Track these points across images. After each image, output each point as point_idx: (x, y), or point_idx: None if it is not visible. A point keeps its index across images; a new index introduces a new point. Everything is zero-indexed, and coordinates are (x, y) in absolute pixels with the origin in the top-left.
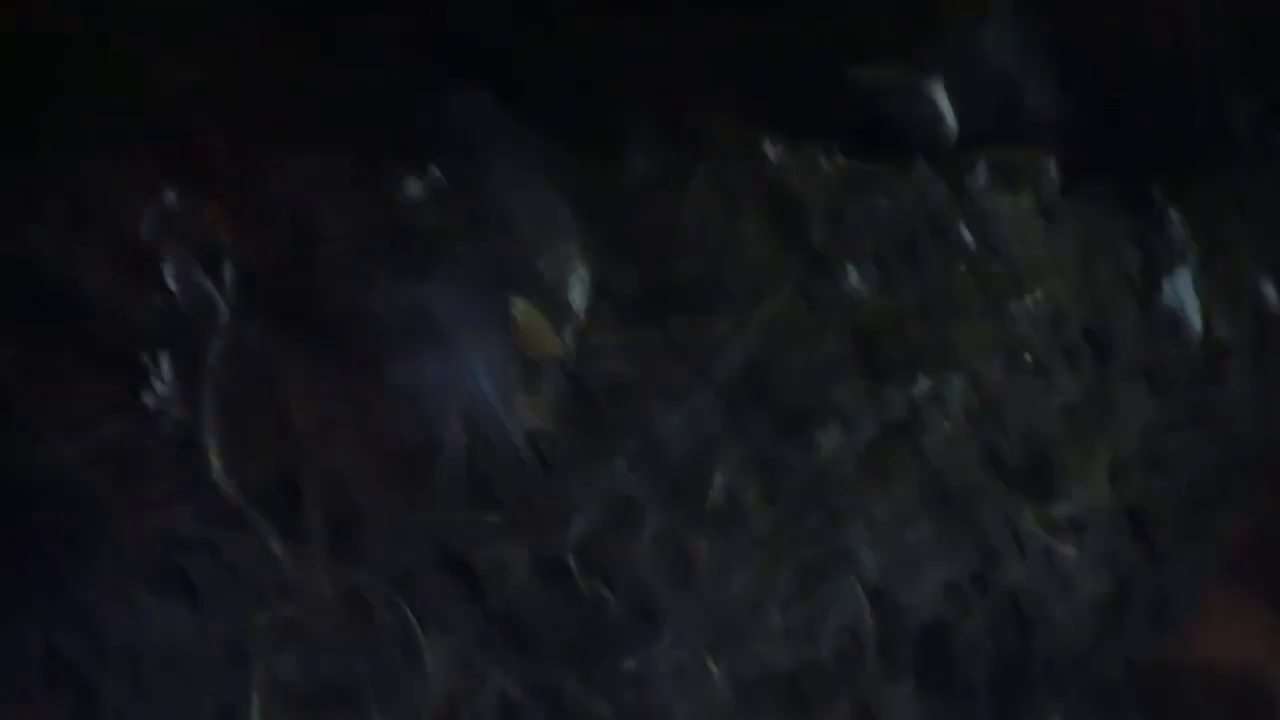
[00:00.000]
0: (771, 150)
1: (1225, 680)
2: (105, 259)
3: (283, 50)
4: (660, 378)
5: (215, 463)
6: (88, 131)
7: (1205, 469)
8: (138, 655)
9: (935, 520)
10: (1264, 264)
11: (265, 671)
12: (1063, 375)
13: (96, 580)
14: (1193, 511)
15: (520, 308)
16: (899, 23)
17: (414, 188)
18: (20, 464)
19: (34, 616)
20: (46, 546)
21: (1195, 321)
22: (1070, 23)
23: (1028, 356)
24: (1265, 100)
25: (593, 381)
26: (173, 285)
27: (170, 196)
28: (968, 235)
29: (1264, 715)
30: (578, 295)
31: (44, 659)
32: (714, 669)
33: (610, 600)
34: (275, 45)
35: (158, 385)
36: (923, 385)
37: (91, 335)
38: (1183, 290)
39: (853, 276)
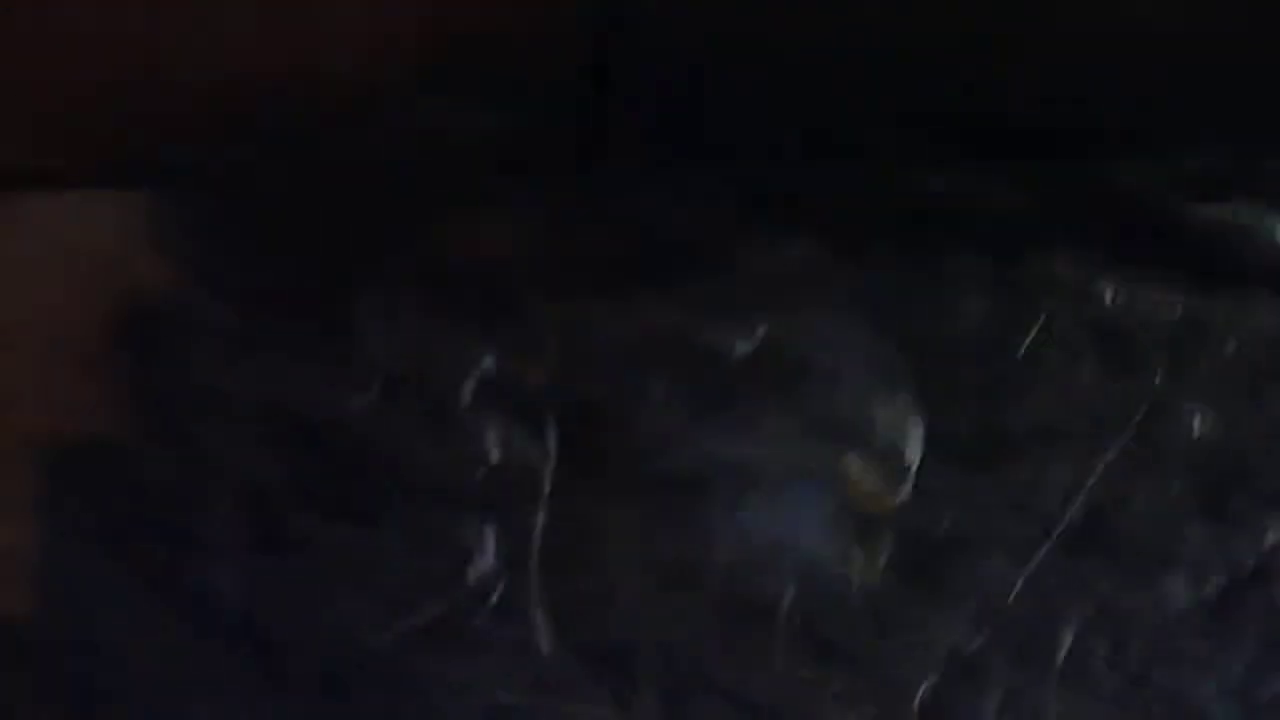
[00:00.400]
0: (1109, 292)
1: None
2: (425, 429)
3: (604, 204)
4: (998, 530)
5: (544, 634)
6: (406, 298)
7: None
8: None
9: None
10: None
11: None
12: None
13: None
14: None
15: (854, 462)
16: (1236, 159)
17: (741, 343)
18: (345, 646)
19: None
20: None
21: None
22: None
23: None
24: None
25: (929, 536)
26: (495, 454)
27: (489, 360)
28: None
29: None
30: (911, 447)
31: None
32: None
33: None
34: (595, 197)
35: (481, 560)
36: (1272, 533)
37: (413, 508)
38: None
39: (1195, 418)
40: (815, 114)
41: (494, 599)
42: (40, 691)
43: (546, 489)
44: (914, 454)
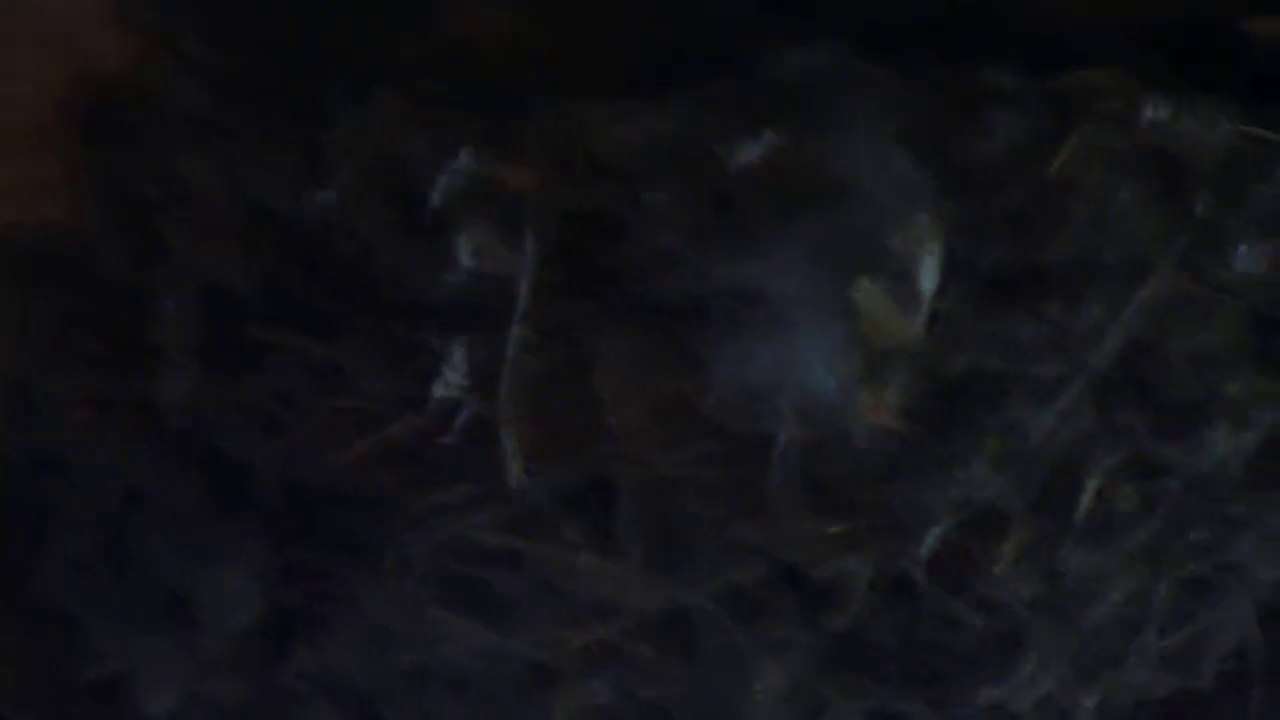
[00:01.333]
0: (1156, 111)
1: None
2: (393, 229)
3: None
4: (1025, 370)
5: (516, 464)
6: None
7: None
8: (431, 677)
9: None
10: None
11: (574, 698)
12: None
13: (386, 594)
14: None
15: (865, 289)
16: None
17: (748, 151)
18: (304, 467)
19: (320, 632)
20: (330, 558)
21: None
22: None
23: None
24: None
25: (948, 374)
26: (467, 262)
27: (467, 158)
28: None
29: None
30: (931, 275)
31: (328, 678)
32: (1084, 700)
33: (967, 621)
34: None
35: (451, 375)
36: None
37: (377, 320)
38: None
39: (1246, 254)
40: None
41: (460, 422)
42: None
43: (524, 304)
44: (932, 283)
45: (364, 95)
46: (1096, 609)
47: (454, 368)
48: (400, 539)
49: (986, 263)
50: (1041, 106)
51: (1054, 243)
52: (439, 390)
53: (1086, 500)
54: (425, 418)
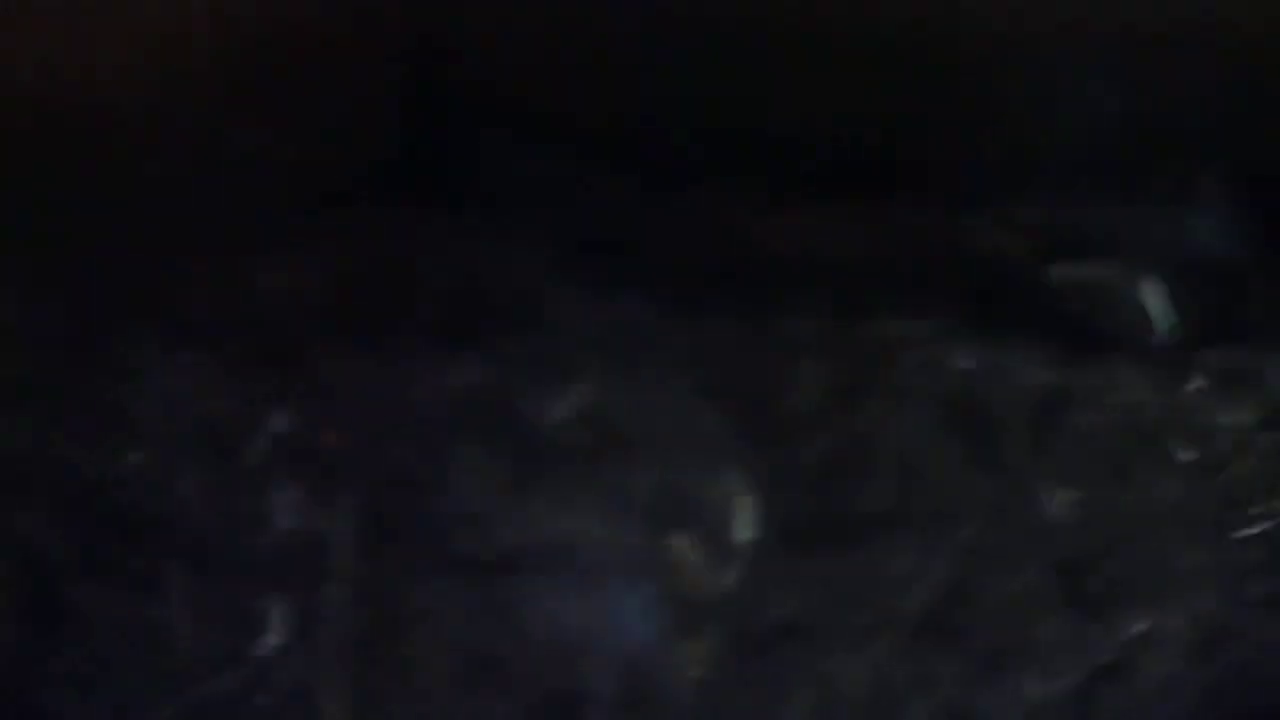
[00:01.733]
0: (963, 362)
1: None
2: (208, 490)
3: (417, 245)
4: (838, 619)
5: None
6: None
7: None
8: None
9: None
10: None
11: None
12: None
13: None
14: None
15: (676, 543)
16: (1103, 216)
17: (558, 409)
18: None
19: None
20: None
21: None
22: None
23: (1252, 586)
24: None
25: (762, 625)
26: (284, 522)
27: (280, 418)
28: (1182, 451)
29: None
30: (741, 528)
31: None
32: None
33: None
34: (408, 237)
35: (269, 636)
36: (1135, 622)
37: (196, 579)
38: None
39: (1055, 500)
40: (648, 151)
41: (281, 681)
42: None
43: (339, 563)
44: (744, 535)
45: (171, 354)
46: None
47: (270, 627)
48: None
49: (798, 515)
50: (847, 357)
51: (862, 494)
52: (257, 650)
53: None
54: (244, 675)
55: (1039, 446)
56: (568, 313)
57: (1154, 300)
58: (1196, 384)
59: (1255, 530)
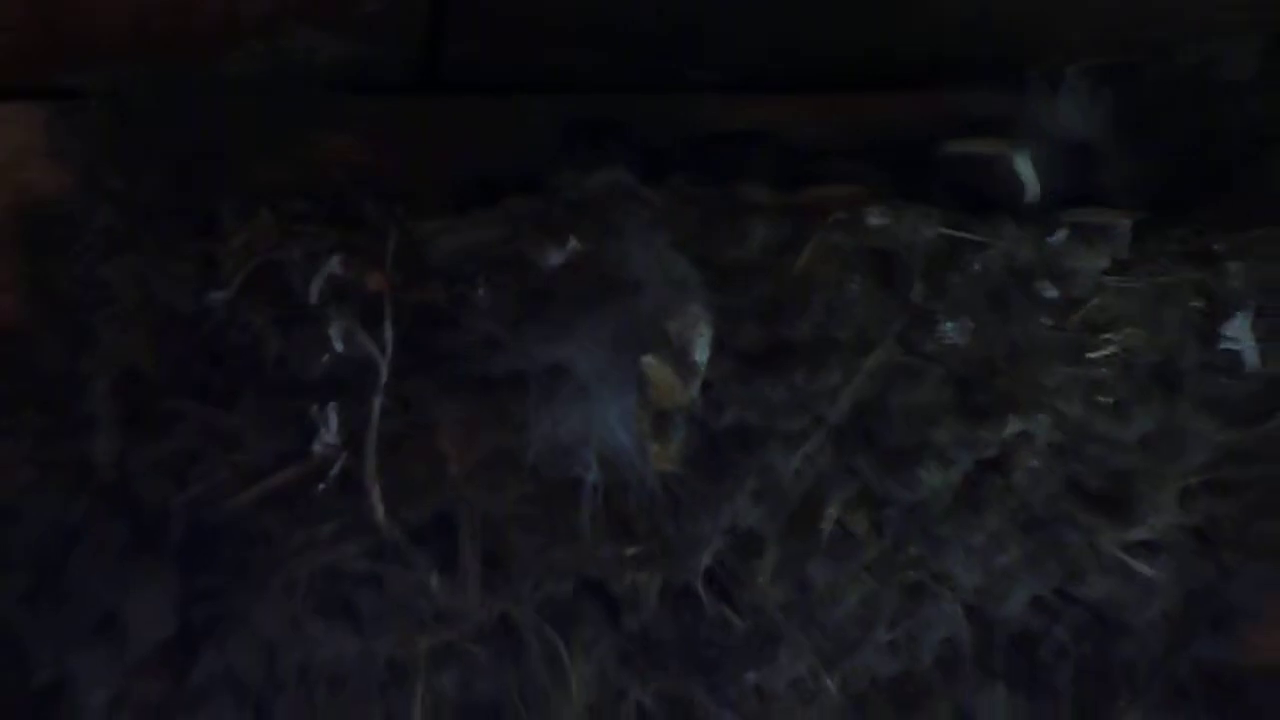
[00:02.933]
0: (876, 220)
1: None
2: (276, 321)
3: (441, 128)
4: (776, 424)
5: (377, 505)
6: (265, 204)
7: (1265, 491)
8: (310, 676)
9: (1024, 544)
10: None
11: (426, 689)
12: (1136, 412)
13: (272, 610)
14: (1254, 529)
15: (651, 364)
16: (987, 99)
17: (556, 257)
18: (207, 510)
19: (216, 642)
20: (231, 581)
21: (1253, 359)
22: (1140, 96)
23: (1104, 397)
24: None
25: (717, 429)
26: (338, 346)
27: (334, 264)
28: (1050, 290)
29: None
30: (703, 352)
31: (225, 680)
32: (828, 681)
33: (735, 621)
34: (433, 122)
35: (325, 436)
36: (1012, 425)
37: (267, 390)
38: (1241, 332)
39: (949, 329)
40: (638, 49)
41: (334, 472)
42: None
43: (383, 379)
44: (703, 356)
45: (249, 213)
46: (836, 610)
47: (327, 430)
48: (284, 566)
49: (745, 341)
50: (787, 216)
51: (798, 324)
52: (316, 447)
53: (827, 526)
54: (304, 469)
55: (936, 286)
56: (564, 181)
57: (1026, 170)
58: (1059, 236)
59: (1105, 352)
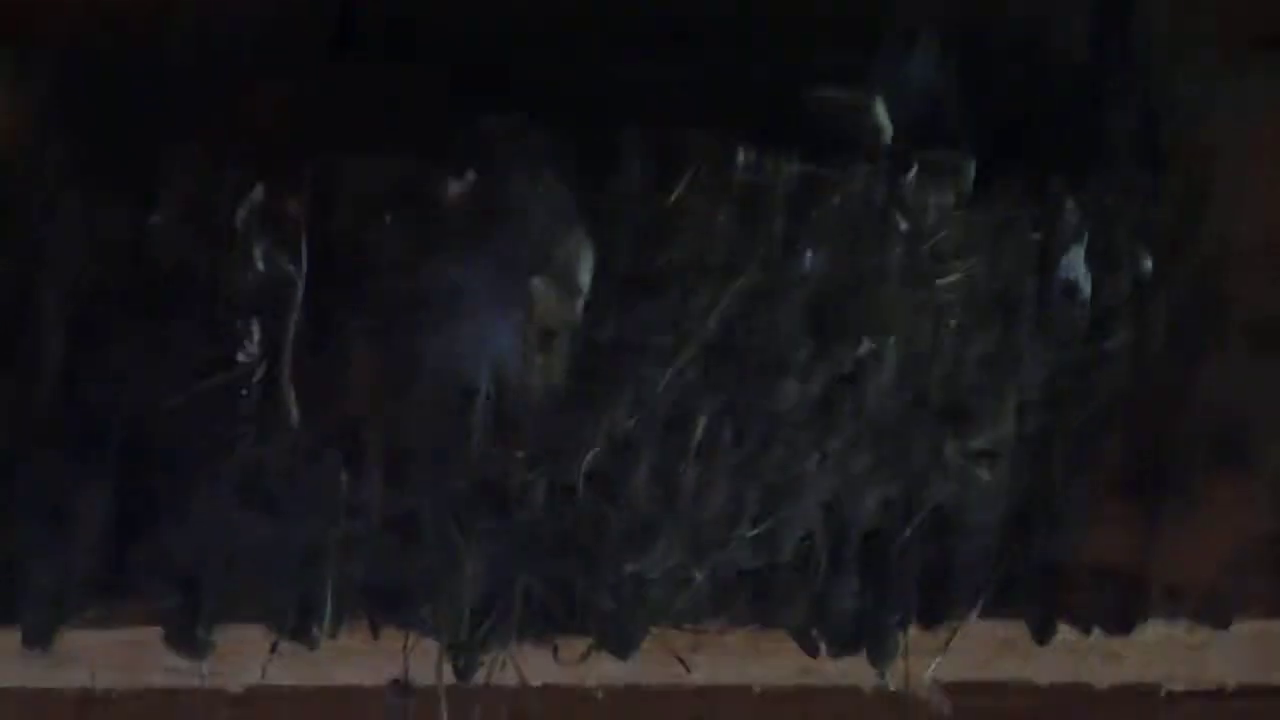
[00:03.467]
0: (743, 158)
1: (1106, 572)
2: (206, 244)
3: (352, 86)
4: (650, 340)
5: (293, 409)
6: (201, 148)
7: (1093, 406)
8: (235, 560)
9: (875, 451)
10: (1140, 241)
11: (337, 575)
12: (978, 334)
13: (202, 500)
14: (1083, 441)
15: (538, 286)
16: (846, 53)
17: (455, 188)
18: (145, 411)
19: (154, 528)
20: (165, 475)
21: (1086, 288)
22: (984, 50)
23: (950, 320)
24: (1142, 108)
25: (597, 344)
26: (261, 266)
27: (258, 193)
28: (902, 223)
29: (1136, 598)
30: (586, 274)
31: (161, 562)
32: (697, 573)
33: (614, 518)
34: (346, 81)
35: (249, 347)
36: (865, 345)
37: (197, 307)
38: (1076, 263)
39: (808, 258)
40: (530, 19)
41: (256, 379)
42: None
43: (299, 297)
44: (585, 280)
45: (184, 153)
46: (704, 509)
47: (251, 341)
48: (212, 462)
49: (624, 266)
50: (663, 155)
51: (671, 252)
52: (240, 357)
53: (697, 433)
54: (230, 376)
55: (799, 219)
56: (463, 124)
57: (881, 116)
58: (910, 174)
59: (951, 279)
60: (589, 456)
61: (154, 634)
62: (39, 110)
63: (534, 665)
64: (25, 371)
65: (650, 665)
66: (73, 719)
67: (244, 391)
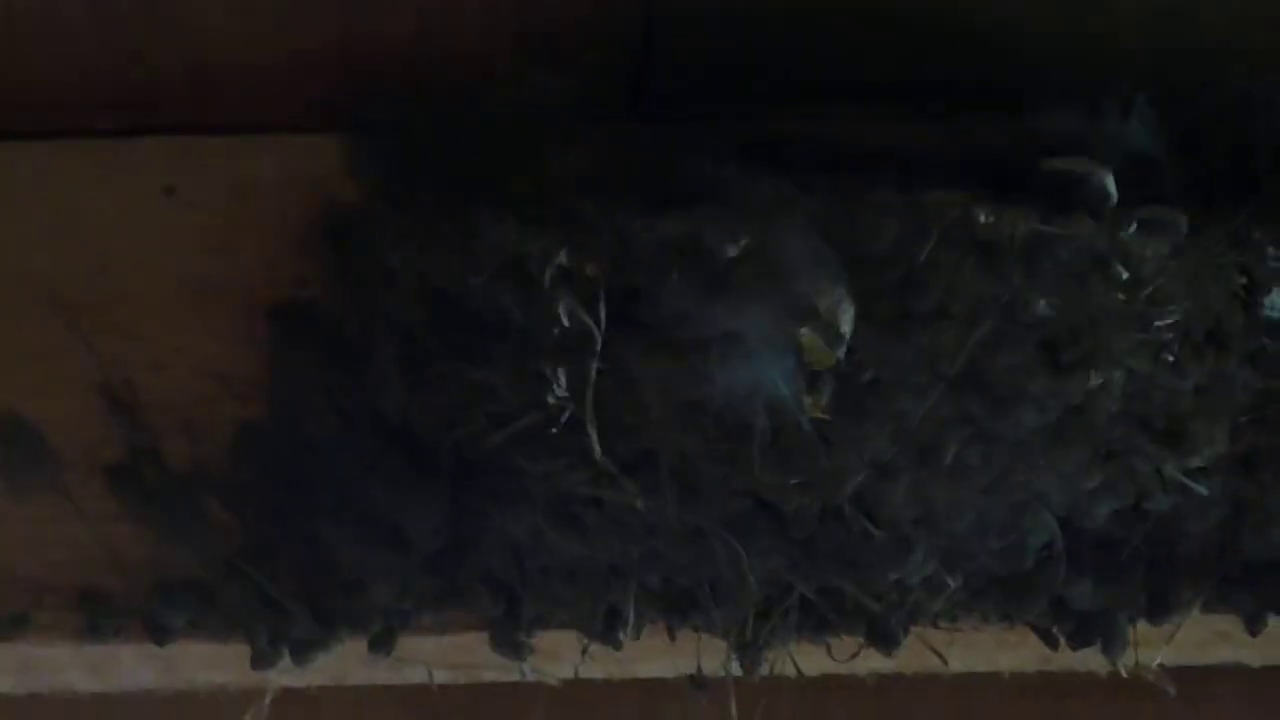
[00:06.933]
0: (985, 217)
1: None
2: (520, 299)
3: (645, 149)
4: (907, 379)
5: (595, 444)
6: (512, 208)
7: None
8: (549, 575)
9: (1105, 470)
10: None
11: (637, 586)
12: (1193, 367)
13: (520, 524)
14: None
15: (806, 334)
16: (1075, 126)
17: (731, 249)
18: (469, 447)
19: (478, 548)
20: (487, 502)
21: None
22: (1193, 121)
23: (1167, 355)
24: None
25: (859, 383)
26: (565, 320)
27: (563, 255)
28: (1123, 272)
29: None
30: (846, 323)
31: (481, 578)
32: (951, 580)
33: (876, 534)
34: (639, 145)
35: (557, 390)
36: (1093, 379)
37: (513, 353)
38: (1277, 302)
39: (1041, 305)
40: (800, 84)
41: (564, 419)
42: None
43: (598, 345)
44: (848, 328)
45: (499, 217)
46: (956, 524)
47: (559, 385)
48: (528, 491)
49: (881, 315)
50: (913, 216)
51: (922, 300)
52: (550, 399)
53: (948, 458)
54: (542, 416)
55: (1033, 270)
56: (736, 189)
57: (1108, 183)
58: (1130, 229)
59: (1168, 321)
60: (854, 481)
61: (482, 638)
62: (377, 184)
63: (811, 661)
64: (368, 413)
65: (911, 658)
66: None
67: (553, 430)
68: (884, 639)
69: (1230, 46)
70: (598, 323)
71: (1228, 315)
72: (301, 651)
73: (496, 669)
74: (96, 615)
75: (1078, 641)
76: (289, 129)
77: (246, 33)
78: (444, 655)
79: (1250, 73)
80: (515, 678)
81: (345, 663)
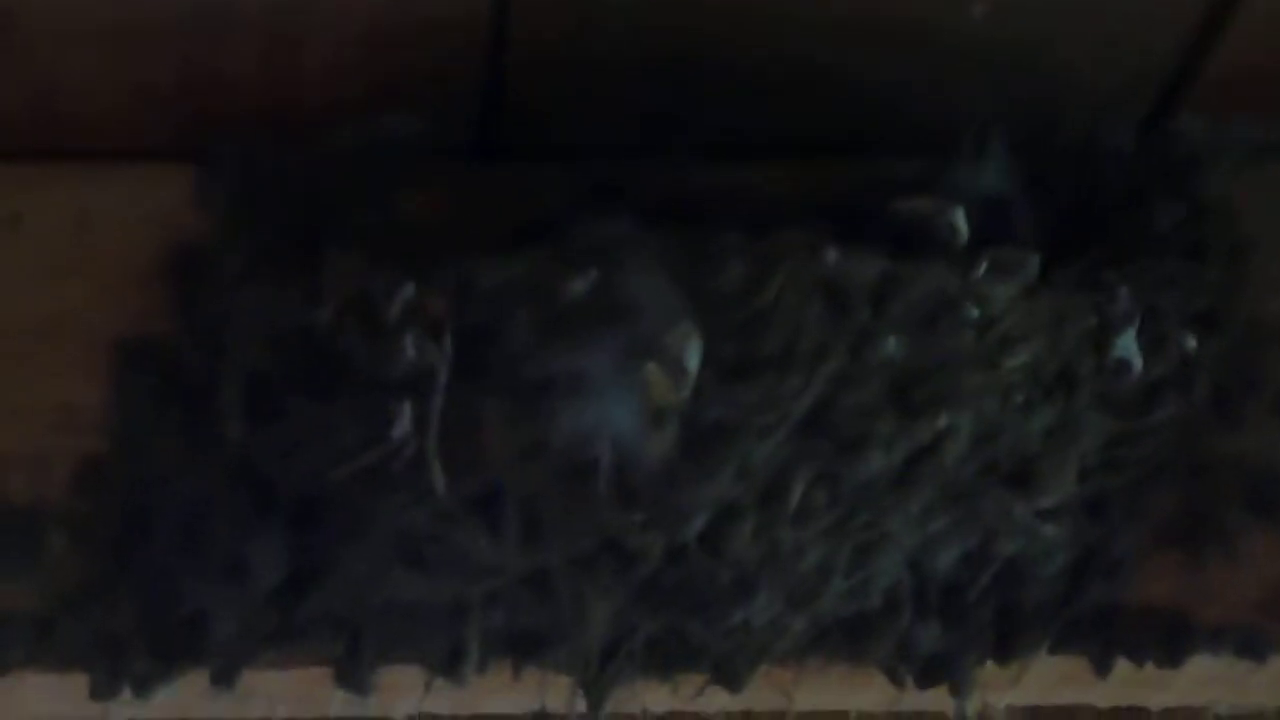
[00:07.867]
0: (831, 257)
1: (1157, 613)
2: (364, 336)
3: (494, 189)
4: (752, 419)
5: (439, 481)
6: (357, 246)
7: (1143, 469)
8: (391, 610)
9: (952, 512)
10: (1185, 323)
11: (481, 623)
12: (1042, 408)
13: (361, 561)
14: (1135, 499)
15: (652, 371)
16: (925, 167)
17: (578, 286)
18: (311, 483)
19: (320, 584)
20: (329, 538)
21: (1138, 366)
22: (1042, 163)
23: (1016, 396)
24: (1181, 210)
25: (704, 422)
26: (410, 354)
27: (409, 291)
28: (973, 311)
29: (1184, 635)
30: (692, 361)
31: (324, 615)
32: (796, 619)
33: (722, 573)
34: (488, 184)
35: (400, 424)
36: (942, 419)
37: (356, 389)
38: (1129, 344)
39: (890, 343)
40: (650, 128)
41: (407, 454)
42: None
43: (443, 381)
44: (694, 365)
45: (345, 252)
46: (801, 565)
47: (402, 421)
48: (370, 527)
49: (726, 354)
50: (760, 256)
51: (768, 340)
52: (393, 434)
53: (794, 498)
54: (384, 451)
55: (881, 310)
56: (583, 229)
57: (959, 222)
58: (980, 269)
59: (1017, 361)
60: (699, 520)
61: (325, 673)
62: (223, 218)
63: (656, 698)
64: (211, 446)
65: (759, 695)
66: None
67: (396, 465)
68: (729, 678)
69: (1073, 86)
70: (443, 360)
71: (1078, 356)
72: (142, 686)
73: (342, 703)
74: None
75: (925, 682)
76: (137, 158)
77: (86, 64)
78: (288, 689)
79: (1094, 112)
80: (361, 713)
81: (188, 696)
